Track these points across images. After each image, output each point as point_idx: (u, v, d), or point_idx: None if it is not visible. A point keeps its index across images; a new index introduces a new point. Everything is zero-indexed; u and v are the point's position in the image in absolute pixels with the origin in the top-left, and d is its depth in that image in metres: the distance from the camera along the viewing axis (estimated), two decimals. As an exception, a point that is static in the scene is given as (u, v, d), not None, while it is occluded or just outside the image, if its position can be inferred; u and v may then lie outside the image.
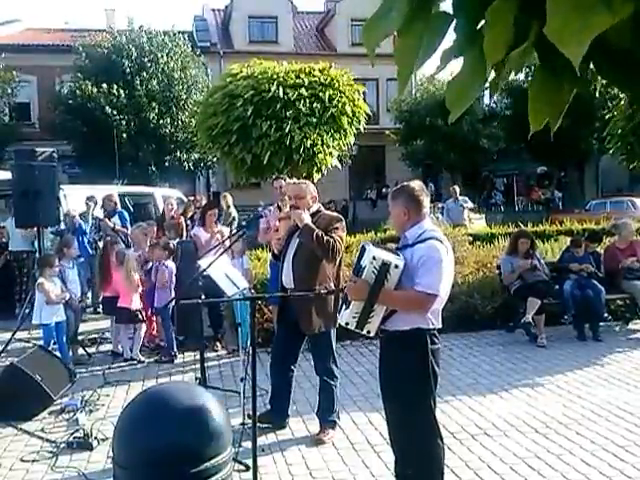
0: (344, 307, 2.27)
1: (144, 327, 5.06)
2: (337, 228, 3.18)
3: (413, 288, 2.15)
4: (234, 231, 5.50)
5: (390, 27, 0.96)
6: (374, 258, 2.11)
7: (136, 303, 4.99)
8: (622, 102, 9.22)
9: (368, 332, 2.24)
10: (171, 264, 5.09)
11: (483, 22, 0.93)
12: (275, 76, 8.50)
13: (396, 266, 2.11)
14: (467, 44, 0.94)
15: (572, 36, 0.76)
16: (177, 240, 5.65)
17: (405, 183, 2.39)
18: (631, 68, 0.89)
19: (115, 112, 15.24)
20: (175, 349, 4.97)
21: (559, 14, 0.77)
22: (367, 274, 2.13)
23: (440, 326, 2.29)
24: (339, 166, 9.49)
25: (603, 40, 0.83)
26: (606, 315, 5.43)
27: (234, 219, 7.54)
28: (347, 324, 2.23)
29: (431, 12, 0.93)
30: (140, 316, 4.99)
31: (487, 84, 1.02)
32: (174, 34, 16.86)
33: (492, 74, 1.00)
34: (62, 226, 6.50)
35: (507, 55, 0.89)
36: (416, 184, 2.36)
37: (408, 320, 2.21)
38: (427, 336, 2.22)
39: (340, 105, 8.65)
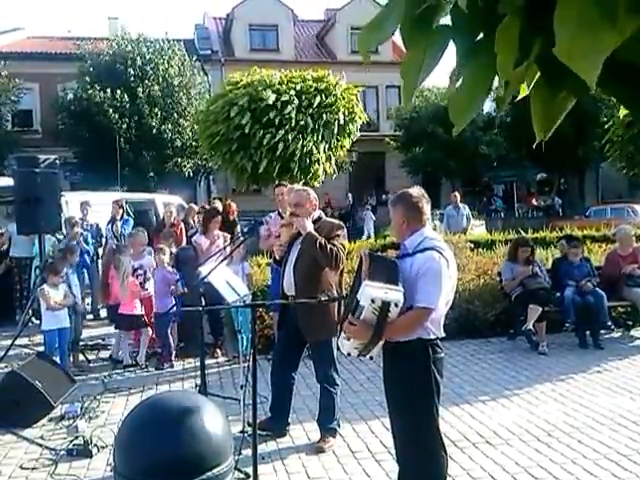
0: (343, 336, 2.20)
1: (149, 332, 5.04)
2: (339, 235, 3.19)
3: (412, 305, 2.11)
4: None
5: (386, 34, 0.98)
6: (373, 301, 2.03)
7: (137, 309, 4.98)
8: (621, 110, 9.23)
9: (371, 358, 2.25)
10: (166, 270, 5.07)
11: (482, 36, 0.94)
12: (271, 83, 8.57)
13: (396, 304, 2.05)
14: (467, 57, 0.95)
15: (584, 56, 0.75)
16: (175, 247, 5.65)
17: (404, 190, 2.36)
18: (633, 82, 0.89)
19: (117, 118, 15.34)
20: (173, 355, 4.95)
21: (566, 32, 0.77)
22: (367, 314, 2.05)
23: (443, 335, 2.27)
24: (331, 173, 9.49)
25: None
26: (609, 324, 5.40)
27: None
28: (349, 354, 2.24)
29: (432, 26, 0.94)
30: (142, 321, 4.98)
31: (491, 96, 1.04)
32: (171, 41, 17.01)
33: (497, 86, 1.01)
34: (64, 230, 6.49)
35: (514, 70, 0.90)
36: (415, 191, 2.32)
37: None
38: (429, 346, 2.20)
39: (334, 112, 8.69)
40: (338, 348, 3.30)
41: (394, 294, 2.05)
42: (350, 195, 19.47)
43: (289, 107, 8.31)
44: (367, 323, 2.07)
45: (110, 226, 7.09)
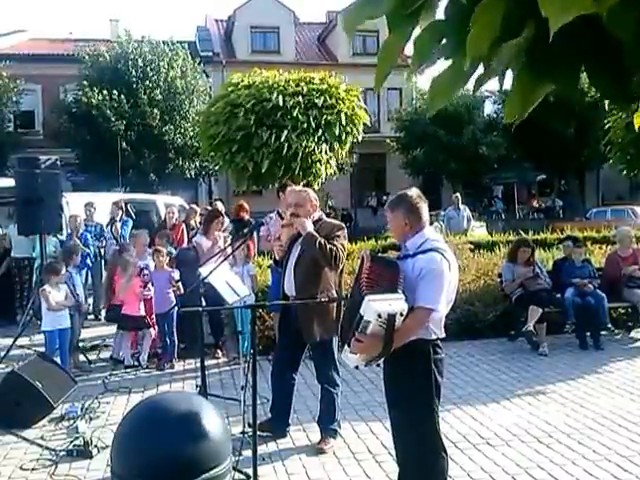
0: (347, 350, 2.17)
1: (152, 333, 5.04)
2: (339, 236, 3.19)
3: (413, 306, 2.10)
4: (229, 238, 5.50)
5: (373, 12, 1.00)
6: (379, 315, 2.01)
7: (140, 310, 4.99)
8: (614, 116, 9.27)
9: (378, 365, 2.25)
10: (165, 271, 5.07)
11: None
12: (276, 85, 8.60)
13: (401, 314, 2.03)
14: (457, 48, 0.96)
15: (560, 4, 0.77)
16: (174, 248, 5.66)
17: (403, 192, 2.36)
18: (621, 77, 0.90)
19: (118, 119, 15.37)
20: (174, 356, 4.94)
21: None
22: (374, 329, 2.04)
23: (443, 335, 2.27)
24: (333, 174, 9.49)
25: (598, 42, 0.85)
26: (609, 326, 5.40)
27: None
28: (357, 367, 2.23)
29: (419, 15, 0.96)
30: (145, 322, 4.98)
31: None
32: (175, 43, 17.07)
33: (478, 71, 1.03)
34: (67, 231, 6.50)
35: (493, 51, 0.92)
36: (414, 192, 2.33)
37: None
38: (430, 346, 2.20)
39: (336, 113, 8.70)
40: (339, 349, 3.32)
41: (398, 304, 2.03)
42: (329, 195, 19.32)
43: (293, 108, 8.33)
44: (376, 337, 2.05)
45: (110, 227, 7.10)
